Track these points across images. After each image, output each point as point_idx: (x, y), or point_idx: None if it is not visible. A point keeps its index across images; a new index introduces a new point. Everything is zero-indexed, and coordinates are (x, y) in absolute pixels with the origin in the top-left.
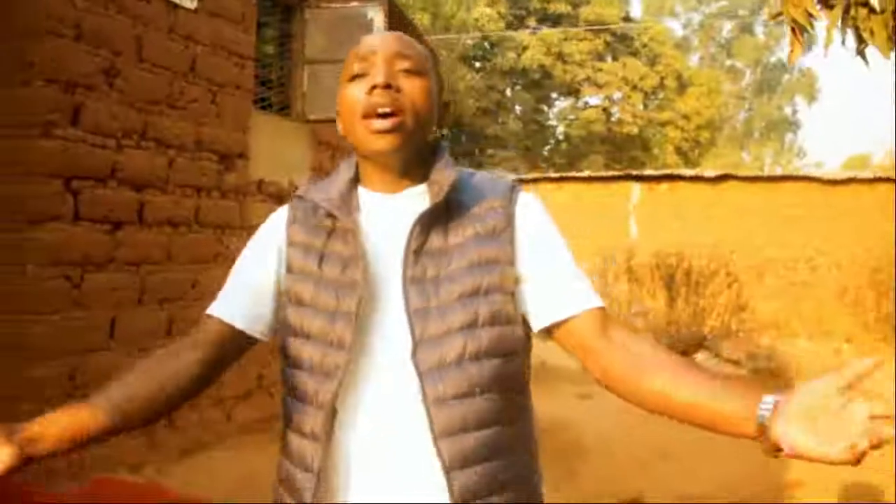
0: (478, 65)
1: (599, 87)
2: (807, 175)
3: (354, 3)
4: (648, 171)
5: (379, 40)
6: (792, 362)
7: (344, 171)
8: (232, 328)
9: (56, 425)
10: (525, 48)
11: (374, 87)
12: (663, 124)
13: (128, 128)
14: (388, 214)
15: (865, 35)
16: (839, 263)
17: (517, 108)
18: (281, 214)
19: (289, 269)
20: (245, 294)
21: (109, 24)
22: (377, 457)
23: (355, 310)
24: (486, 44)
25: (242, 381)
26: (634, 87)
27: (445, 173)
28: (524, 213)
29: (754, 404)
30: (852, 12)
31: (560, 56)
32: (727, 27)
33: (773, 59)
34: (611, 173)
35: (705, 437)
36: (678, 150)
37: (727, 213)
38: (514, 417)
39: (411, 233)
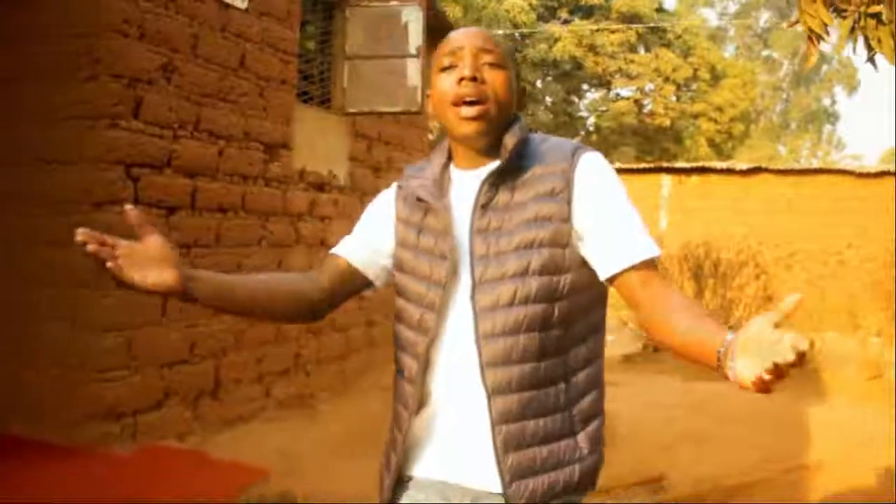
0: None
1: (631, 78)
2: (839, 168)
3: (394, 3)
4: (679, 164)
5: (465, 36)
6: (818, 353)
7: (437, 156)
8: (350, 266)
9: (212, 281)
10: (556, 40)
11: (462, 79)
12: (696, 116)
13: (183, 119)
14: (472, 188)
15: (874, 43)
16: (870, 257)
17: (548, 99)
18: (391, 192)
19: (396, 240)
20: (365, 243)
21: (168, 24)
22: (445, 392)
23: (444, 280)
24: (516, 35)
25: (281, 359)
26: (667, 79)
27: (512, 138)
28: (582, 174)
29: (719, 342)
30: (861, 23)
31: (591, 48)
32: (764, 17)
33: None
34: (642, 165)
35: (726, 422)
36: (711, 143)
37: (758, 205)
38: (557, 353)
39: (480, 189)
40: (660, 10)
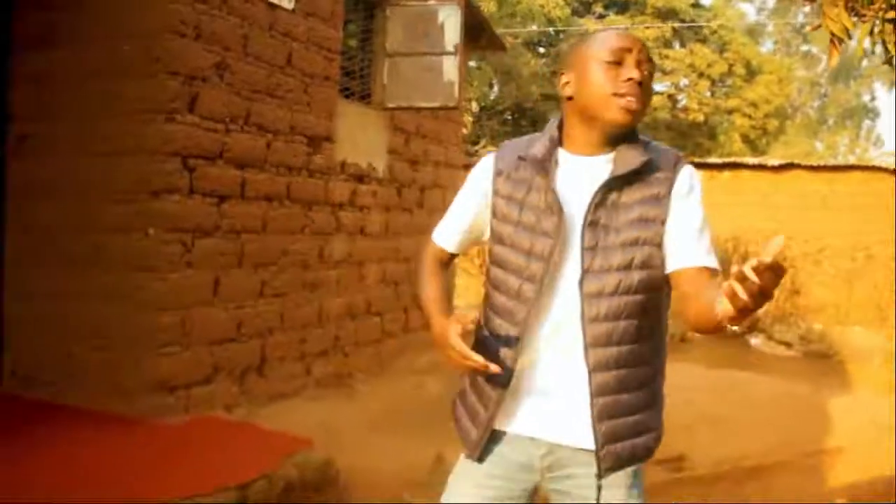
0: (542, 51)
1: (666, 73)
2: (872, 164)
3: (432, 2)
4: (712, 159)
5: (633, 41)
6: (843, 347)
7: (544, 137)
8: (448, 253)
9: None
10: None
11: (630, 79)
12: (730, 112)
13: (234, 114)
14: (581, 173)
15: (891, 47)
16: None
17: None
18: (486, 166)
19: (493, 214)
20: (462, 228)
21: (221, 25)
22: (546, 360)
23: (548, 254)
24: (551, 30)
25: (321, 340)
26: (701, 75)
27: (631, 155)
28: (681, 185)
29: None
30: (880, 27)
31: None
32: (803, 12)
33: (852, 44)
34: None
35: (747, 407)
36: (745, 139)
37: (789, 201)
38: (648, 338)
39: (598, 191)
40: (696, 5)
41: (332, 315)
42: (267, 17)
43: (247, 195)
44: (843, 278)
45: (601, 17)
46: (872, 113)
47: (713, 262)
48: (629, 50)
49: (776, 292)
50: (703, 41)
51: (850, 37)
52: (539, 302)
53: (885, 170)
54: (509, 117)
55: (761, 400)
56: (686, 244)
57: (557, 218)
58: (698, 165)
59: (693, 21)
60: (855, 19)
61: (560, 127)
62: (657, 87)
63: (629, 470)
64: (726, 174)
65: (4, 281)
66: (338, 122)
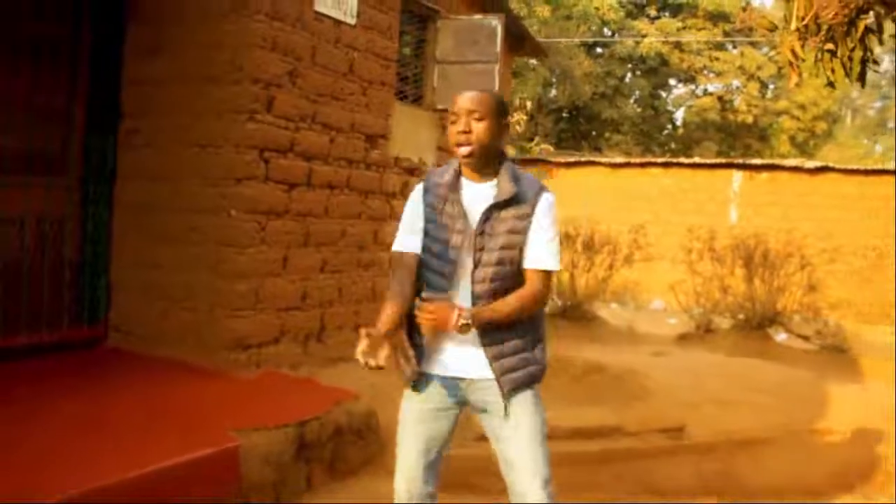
0: (597, 51)
1: (717, 75)
2: None
3: (478, 16)
4: (752, 161)
5: (461, 100)
6: (857, 341)
7: (451, 168)
8: (416, 255)
9: (392, 319)
10: (644, 36)
11: (458, 132)
12: (779, 114)
13: (303, 115)
14: (476, 194)
15: (828, 75)
16: None
17: (636, 93)
18: (418, 192)
19: (425, 218)
20: (416, 232)
21: (293, 39)
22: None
23: (459, 245)
24: (605, 31)
25: (374, 314)
26: (751, 77)
27: (507, 187)
28: (540, 208)
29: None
30: (820, 56)
31: (677, 44)
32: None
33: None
34: (715, 161)
35: (754, 392)
36: (793, 141)
37: (823, 202)
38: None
39: (484, 212)
40: (746, 8)
41: (384, 292)
42: (333, 32)
43: (312, 184)
44: (860, 275)
45: (654, 19)
46: None
47: (548, 266)
48: (460, 112)
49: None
50: (754, 44)
51: (803, 60)
52: (452, 279)
53: None
54: (565, 115)
55: (769, 386)
56: (533, 252)
57: (464, 221)
58: (739, 167)
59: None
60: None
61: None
62: (709, 87)
63: (532, 393)
64: (765, 175)
65: (112, 251)
66: (393, 121)
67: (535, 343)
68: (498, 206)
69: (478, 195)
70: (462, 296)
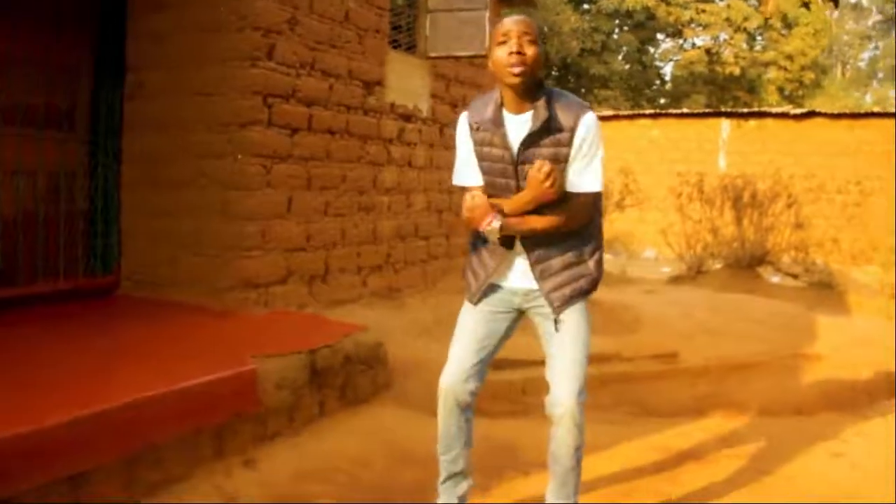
0: (584, 7)
1: (703, 28)
2: (889, 112)
3: None
4: (740, 110)
5: (513, 23)
6: (843, 278)
7: (491, 102)
8: (481, 188)
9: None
10: None
11: (510, 53)
12: (766, 65)
13: (303, 61)
14: (517, 126)
15: None
16: None
17: (623, 48)
18: (464, 123)
19: (476, 155)
20: (472, 168)
21: None
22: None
23: (509, 175)
24: None
25: (375, 257)
26: (738, 28)
27: (541, 114)
28: (579, 133)
29: None
30: None
31: None
32: None
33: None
34: (703, 110)
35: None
36: (781, 91)
37: (810, 147)
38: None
39: (522, 141)
40: None
41: (385, 236)
42: None
43: (313, 128)
44: (858, 219)
45: None
46: None
47: (587, 188)
48: (510, 30)
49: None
50: None
51: None
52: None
53: None
54: (553, 72)
55: (758, 316)
56: (574, 176)
57: (509, 154)
58: (727, 115)
59: None
60: None
61: (501, 96)
62: (696, 41)
63: (583, 305)
64: (752, 123)
65: (122, 201)
66: (387, 69)
67: (589, 254)
68: (534, 135)
69: (520, 127)
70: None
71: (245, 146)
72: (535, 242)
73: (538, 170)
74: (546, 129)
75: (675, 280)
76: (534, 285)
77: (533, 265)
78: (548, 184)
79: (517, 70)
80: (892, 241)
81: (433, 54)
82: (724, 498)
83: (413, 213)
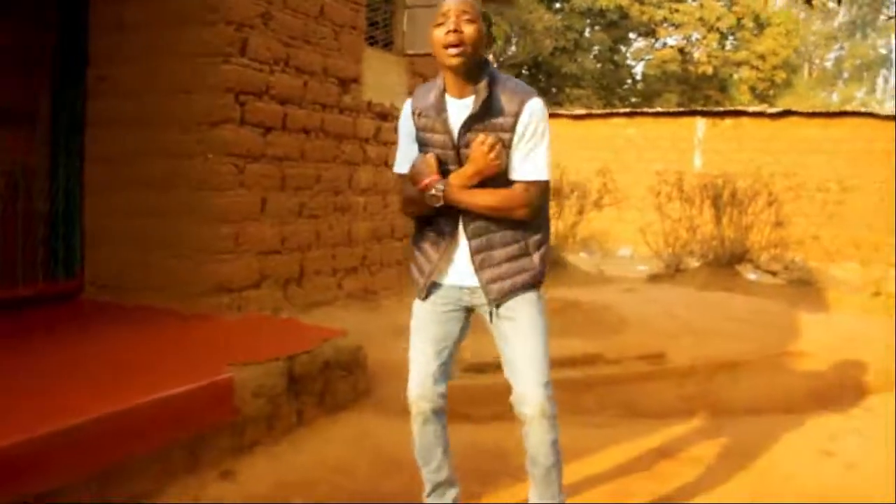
0: (557, 5)
1: (676, 27)
2: (865, 111)
3: None
4: (716, 109)
5: (452, 1)
6: (822, 275)
7: (435, 87)
8: None
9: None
10: None
11: (447, 31)
12: (739, 64)
13: (277, 58)
14: (458, 111)
15: None
16: (891, 192)
17: (595, 47)
18: (407, 110)
19: (418, 141)
20: (413, 153)
21: None
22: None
23: (450, 163)
24: None
25: (351, 259)
26: (711, 28)
27: (480, 97)
28: (525, 115)
29: None
30: None
31: None
32: None
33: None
34: (679, 109)
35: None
36: (753, 91)
37: (787, 146)
38: None
39: (462, 126)
40: None
41: (360, 237)
42: None
43: (288, 127)
44: (826, 213)
45: None
46: (889, 65)
47: (531, 176)
48: (448, 11)
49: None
50: None
51: None
52: None
53: (877, 115)
54: (525, 71)
55: (741, 315)
56: (516, 162)
57: (450, 140)
58: (703, 114)
59: None
60: None
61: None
62: (669, 40)
63: (532, 297)
64: (728, 122)
65: (85, 202)
66: (364, 66)
67: (534, 247)
68: (475, 118)
69: (462, 111)
70: (454, 213)
71: (216, 145)
72: (476, 232)
73: (481, 143)
74: (487, 112)
75: (654, 278)
76: (474, 281)
77: (473, 254)
78: (492, 155)
79: (455, 51)
80: (872, 237)
81: (411, 51)
82: (717, 499)
83: (389, 214)
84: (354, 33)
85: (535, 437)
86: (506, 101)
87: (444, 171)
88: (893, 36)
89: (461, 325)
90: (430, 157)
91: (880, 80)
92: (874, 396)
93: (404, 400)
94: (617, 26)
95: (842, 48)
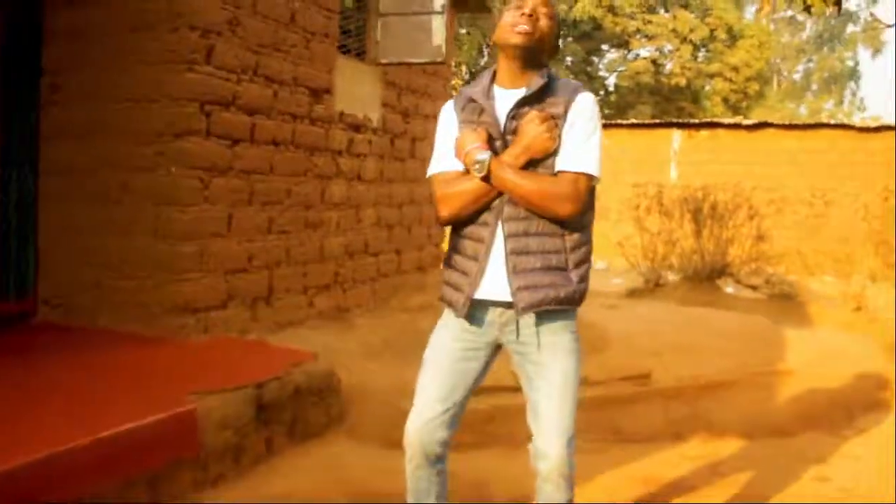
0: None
1: (649, 38)
2: (841, 122)
3: None
4: (692, 121)
5: None
6: (803, 289)
7: (484, 77)
8: (459, 174)
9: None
10: (576, 0)
11: (523, 14)
12: (712, 76)
13: (245, 66)
14: (508, 100)
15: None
16: (865, 205)
17: (568, 59)
18: (449, 106)
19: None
20: (452, 151)
21: None
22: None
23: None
24: None
25: (323, 276)
26: (684, 40)
27: (536, 83)
28: (575, 108)
29: None
30: None
31: (611, 8)
32: None
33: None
34: (654, 121)
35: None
36: (726, 102)
37: (763, 158)
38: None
39: (512, 107)
40: None
41: (333, 253)
42: None
43: (256, 139)
44: (804, 225)
45: None
46: (856, 78)
47: (579, 167)
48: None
49: None
50: (686, 6)
51: None
52: None
53: (852, 127)
54: None
55: (724, 331)
56: (565, 151)
57: (497, 129)
58: (679, 126)
59: None
60: None
61: (495, 73)
62: (641, 52)
63: (567, 325)
64: (704, 133)
65: (39, 217)
66: (336, 75)
67: (574, 265)
68: (526, 101)
69: (510, 101)
70: (493, 214)
71: (180, 158)
72: (514, 232)
73: (533, 118)
74: (540, 98)
75: (634, 293)
76: (507, 296)
77: (508, 255)
78: (543, 128)
79: (523, 29)
80: (849, 250)
81: (384, 61)
82: None
83: (363, 229)
84: (327, 41)
85: (549, 496)
86: (559, 90)
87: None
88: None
89: (483, 366)
90: (481, 129)
91: (847, 93)
92: (864, 416)
93: (381, 424)
94: (590, 37)
95: (810, 61)
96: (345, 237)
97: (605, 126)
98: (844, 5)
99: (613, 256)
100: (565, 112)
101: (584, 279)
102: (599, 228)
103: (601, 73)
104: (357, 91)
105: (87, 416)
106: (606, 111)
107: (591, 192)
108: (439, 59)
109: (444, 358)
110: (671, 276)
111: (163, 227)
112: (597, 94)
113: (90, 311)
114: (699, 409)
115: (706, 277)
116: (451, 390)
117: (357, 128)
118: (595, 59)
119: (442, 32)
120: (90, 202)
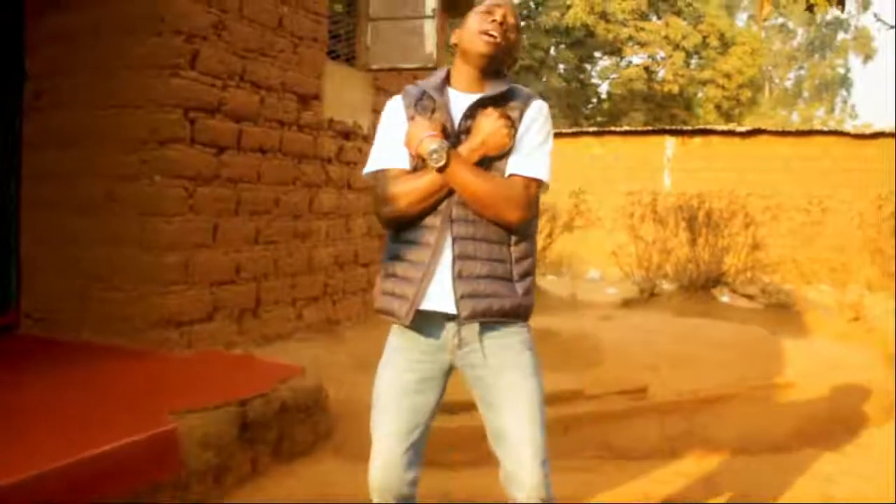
0: (523, 23)
1: (642, 45)
2: (835, 129)
3: None
4: (685, 128)
5: (500, 4)
6: (799, 299)
7: (436, 77)
8: (403, 171)
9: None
10: (569, 7)
11: (493, 21)
12: (704, 83)
13: (231, 71)
14: (462, 103)
15: None
16: (860, 212)
17: (560, 66)
18: (396, 102)
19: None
20: (397, 146)
21: None
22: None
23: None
24: (530, 2)
25: (312, 287)
26: (677, 47)
27: (494, 88)
28: (529, 113)
29: None
30: None
31: (603, 15)
32: None
33: (827, 17)
34: (647, 128)
35: (707, 348)
36: (719, 109)
37: (756, 164)
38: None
39: (468, 109)
40: None
41: (322, 264)
42: None
43: (243, 147)
44: (798, 233)
45: None
46: (847, 85)
47: (532, 173)
48: (499, 5)
49: None
50: (679, 13)
51: None
52: None
53: (846, 134)
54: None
55: (721, 342)
56: (516, 156)
57: (451, 128)
58: (672, 133)
59: None
60: None
61: (448, 74)
62: (634, 59)
63: (517, 341)
64: (697, 140)
65: (21, 226)
66: (325, 81)
67: (519, 277)
68: (484, 103)
69: (463, 103)
70: (443, 210)
71: (164, 166)
72: (462, 235)
73: (490, 114)
74: (496, 102)
75: (629, 304)
76: (450, 306)
77: (455, 259)
78: (500, 124)
79: (492, 39)
80: (845, 259)
81: (375, 66)
82: None
83: (353, 239)
84: (315, 46)
85: None
86: (515, 95)
87: None
88: None
89: (439, 395)
90: (435, 118)
91: (839, 100)
92: (866, 431)
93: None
94: (583, 45)
95: (802, 68)
96: (334, 247)
97: (597, 133)
98: (837, 11)
99: (607, 266)
100: (520, 117)
101: (528, 292)
102: (594, 237)
103: (594, 81)
104: (347, 97)
105: (65, 436)
106: (599, 118)
107: (536, 200)
108: (430, 65)
109: (398, 394)
110: (666, 286)
111: (147, 238)
112: (589, 101)
113: (73, 323)
114: (696, 425)
115: (701, 287)
116: (411, 428)
117: (347, 135)
118: (588, 66)
119: (433, 37)
120: (74, 211)
